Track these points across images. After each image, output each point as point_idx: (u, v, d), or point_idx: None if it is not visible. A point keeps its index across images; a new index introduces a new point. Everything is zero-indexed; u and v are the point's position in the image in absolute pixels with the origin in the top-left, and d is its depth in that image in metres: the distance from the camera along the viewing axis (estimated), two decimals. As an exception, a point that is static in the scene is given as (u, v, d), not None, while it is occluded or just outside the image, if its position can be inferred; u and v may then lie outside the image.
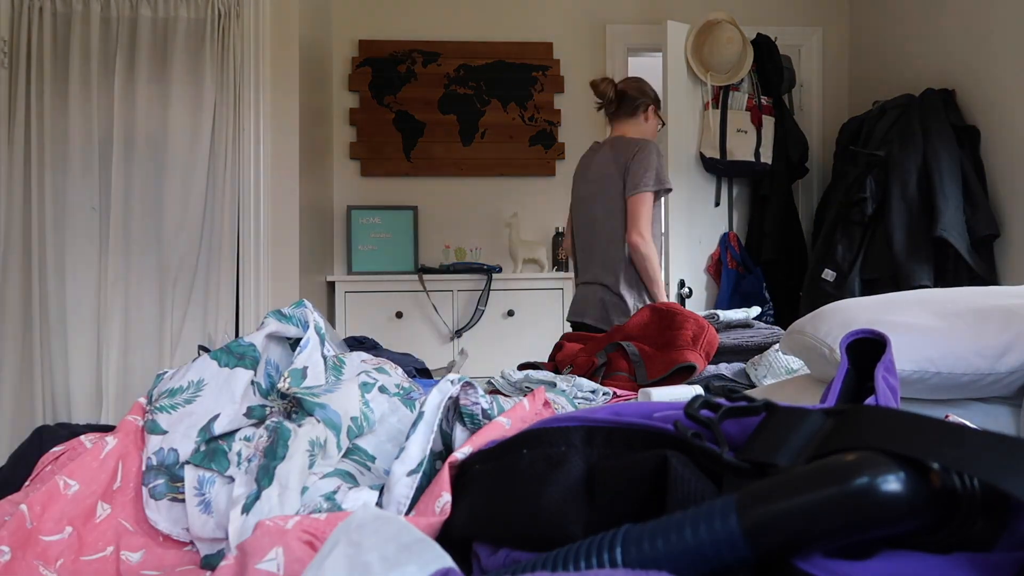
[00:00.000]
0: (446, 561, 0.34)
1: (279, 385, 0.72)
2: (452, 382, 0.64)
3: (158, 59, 2.64)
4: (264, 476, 0.61)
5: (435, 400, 0.62)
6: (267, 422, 0.69)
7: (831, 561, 0.29)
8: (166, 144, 2.62)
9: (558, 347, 1.95)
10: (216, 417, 0.69)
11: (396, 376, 0.83)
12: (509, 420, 0.62)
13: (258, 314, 2.66)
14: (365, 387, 0.74)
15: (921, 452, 0.28)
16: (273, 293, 2.69)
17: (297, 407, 0.68)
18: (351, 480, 0.62)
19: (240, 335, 2.62)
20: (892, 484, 0.28)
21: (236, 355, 0.75)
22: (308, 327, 0.80)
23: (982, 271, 2.57)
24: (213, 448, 0.67)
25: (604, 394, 1.50)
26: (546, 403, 0.71)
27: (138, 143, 2.61)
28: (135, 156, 2.61)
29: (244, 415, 0.71)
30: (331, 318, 3.21)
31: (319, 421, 0.65)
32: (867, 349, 0.55)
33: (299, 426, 0.65)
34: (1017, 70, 2.56)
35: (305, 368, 0.76)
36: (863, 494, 0.28)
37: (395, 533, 0.35)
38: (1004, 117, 2.62)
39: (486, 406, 0.66)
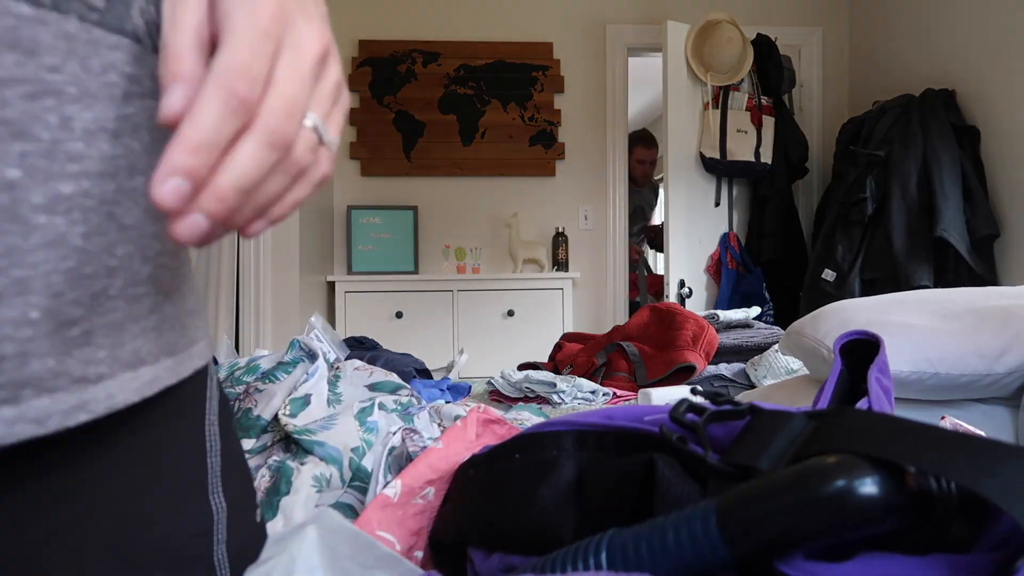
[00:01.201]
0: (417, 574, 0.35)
1: (279, 412, 0.73)
2: (392, 432, 0.63)
3: (159, 60, 2.64)
4: (268, 509, 0.62)
5: (377, 453, 0.62)
6: (268, 461, 0.70)
7: (810, 563, 0.29)
8: (167, 145, 2.62)
9: (558, 347, 1.95)
10: None
11: (391, 382, 0.83)
12: (442, 443, 0.61)
13: (258, 314, 2.67)
14: (363, 412, 0.75)
15: (897, 455, 0.28)
16: (273, 293, 2.70)
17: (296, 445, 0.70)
18: (351, 514, 0.62)
19: (240, 335, 2.64)
20: (868, 487, 0.28)
21: (243, 428, 0.76)
22: (316, 356, 0.81)
23: (982, 271, 2.57)
24: None
25: (604, 394, 1.50)
26: (494, 421, 0.63)
27: (139, 144, 2.61)
28: (136, 157, 2.61)
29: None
30: (331, 318, 3.22)
31: (320, 459, 0.66)
32: (863, 350, 0.55)
33: (301, 464, 0.66)
34: (1017, 70, 2.56)
35: (308, 396, 0.77)
36: (840, 497, 0.28)
37: (367, 545, 0.36)
38: (1004, 117, 2.62)
39: (429, 440, 0.64)
